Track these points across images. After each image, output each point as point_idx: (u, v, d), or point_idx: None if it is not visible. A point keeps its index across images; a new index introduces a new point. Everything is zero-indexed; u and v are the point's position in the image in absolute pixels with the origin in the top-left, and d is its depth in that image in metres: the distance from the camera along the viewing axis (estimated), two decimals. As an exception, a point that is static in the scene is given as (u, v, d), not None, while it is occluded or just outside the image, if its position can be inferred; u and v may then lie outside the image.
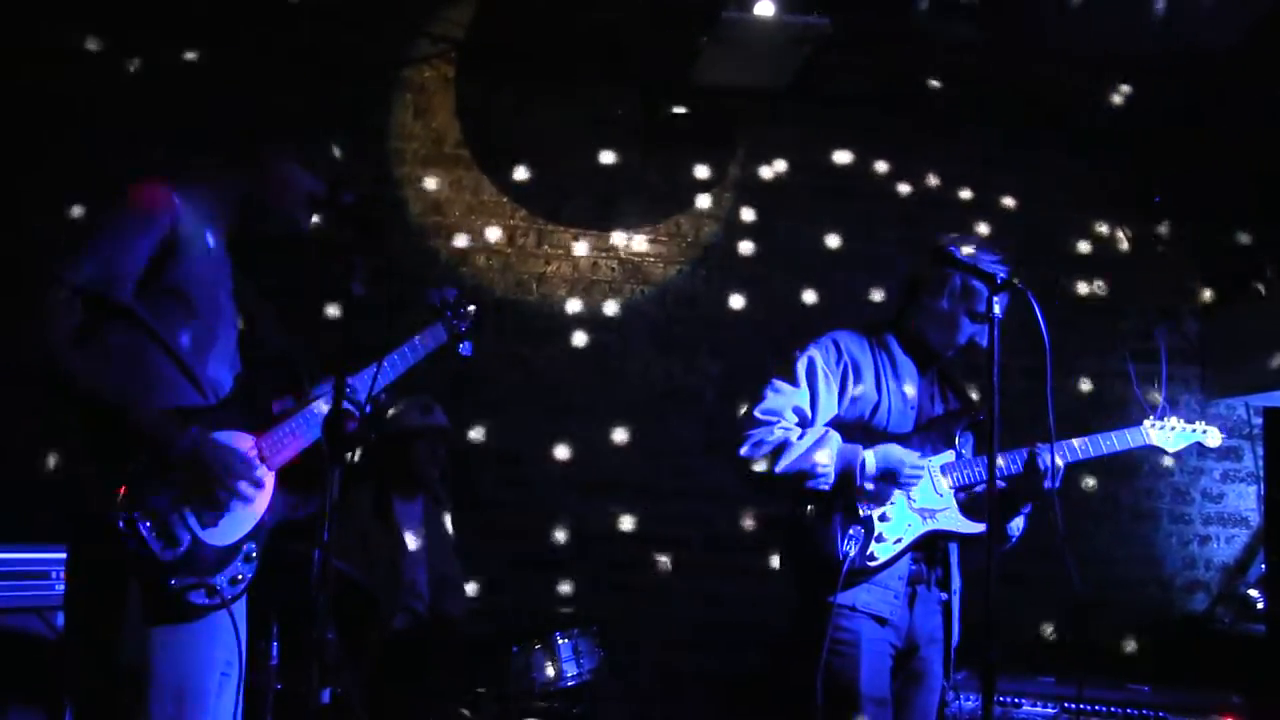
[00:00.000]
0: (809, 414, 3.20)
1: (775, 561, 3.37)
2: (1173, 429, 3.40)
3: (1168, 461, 5.65)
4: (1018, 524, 3.29)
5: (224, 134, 2.77)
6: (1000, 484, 3.15)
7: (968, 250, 3.14)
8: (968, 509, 3.22)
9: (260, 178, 2.65)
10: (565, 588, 5.07)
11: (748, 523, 5.14)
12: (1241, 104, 5.48)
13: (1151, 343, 5.51)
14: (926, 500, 3.19)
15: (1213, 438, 3.44)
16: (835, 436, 3.14)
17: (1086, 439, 3.29)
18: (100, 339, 2.40)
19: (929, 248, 3.26)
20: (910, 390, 3.30)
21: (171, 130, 4.60)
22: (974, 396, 3.44)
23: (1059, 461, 3.14)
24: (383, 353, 2.77)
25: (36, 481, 3.95)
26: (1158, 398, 3.63)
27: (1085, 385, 5.56)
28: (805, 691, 3.04)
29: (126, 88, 4.90)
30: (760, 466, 3.12)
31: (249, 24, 5.05)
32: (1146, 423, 3.39)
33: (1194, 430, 3.42)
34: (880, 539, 3.11)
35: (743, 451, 3.14)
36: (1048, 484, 3.09)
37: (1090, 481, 5.46)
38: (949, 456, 3.25)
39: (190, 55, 4.97)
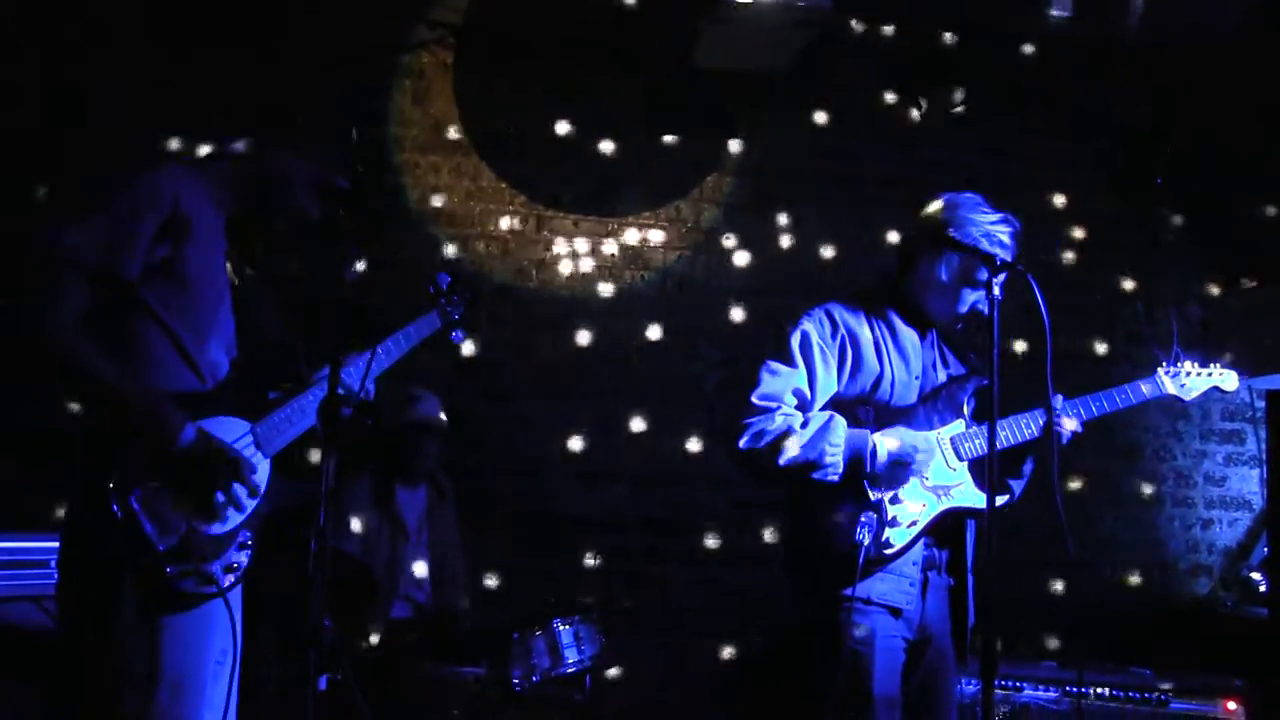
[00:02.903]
0: (809, 394, 3.01)
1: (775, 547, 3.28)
2: (1188, 374, 3.30)
3: (1171, 442, 5.66)
4: (1023, 471, 3.17)
5: (222, 125, 2.75)
6: (1016, 444, 3.07)
7: (964, 226, 3.01)
8: (983, 481, 3.02)
9: (261, 171, 2.63)
10: (566, 574, 5.06)
11: (750, 509, 5.13)
12: (1243, 87, 5.46)
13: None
14: (940, 477, 3.02)
15: (1229, 381, 3.34)
16: (841, 422, 2.96)
17: (1102, 395, 3.17)
18: (101, 318, 2.38)
19: (925, 221, 3.11)
20: (914, 360, 3.13)
21: (170, 121, 4.59)
22: (977, 358, 3.27)
23: (1072, 425, 3.06)
24: (377, 340, 2.75)
25: (34, 469, 3.95)
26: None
27: (1090, 369, 5.54)
28: (814, 686, 2.92)
29: (125, 80, 4.89)
30: (762, 460, 2.93)
31: (246, 11, 5.03)
32: (1160, 371, 3.30)
33: (1209, 374, 3.32)
34: (894, 523, 2.95)
35: (743, 444, 2.95)
36: (1061, 441, 3.01)
37: (1075, 485, 5.44)
38: (959, 427, 3.08)
39: (188, 44, 4.95)
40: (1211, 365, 3.34)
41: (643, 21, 5.26)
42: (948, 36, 5.54)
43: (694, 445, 5.21)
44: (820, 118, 5.52)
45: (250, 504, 2.50)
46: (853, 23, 5.41)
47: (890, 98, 5.57)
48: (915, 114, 5.53)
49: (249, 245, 2.70)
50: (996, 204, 3.12)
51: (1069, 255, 5.60)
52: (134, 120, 4.72)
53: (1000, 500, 3.04)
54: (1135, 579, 5.51)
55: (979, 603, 3.09)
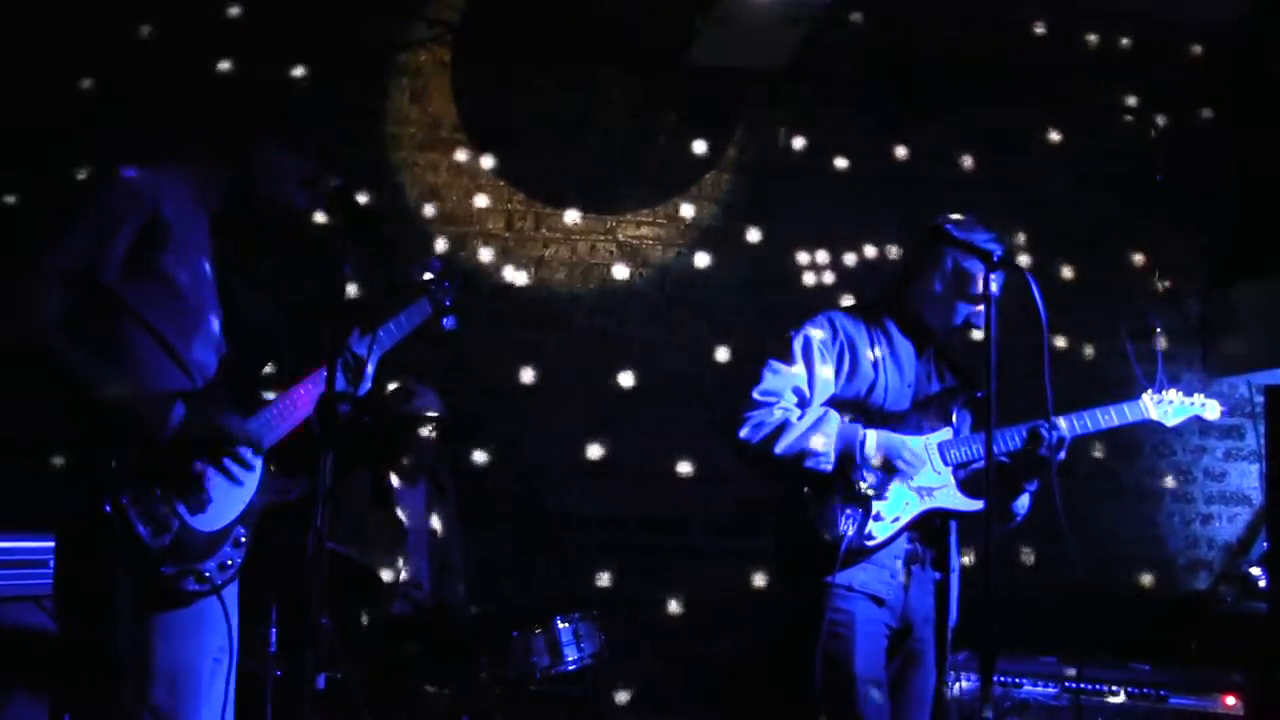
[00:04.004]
0: (807, 393, 3.21)
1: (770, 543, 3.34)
2: (1171, 402, 3.37)
3: (1170, 438, 5.66)
4: (1023, 502, 3.27)
5: (212, 120, 2.75)
6: (1003, 459, 3.17)
7: (962, 227, 3.13)
8: (966, 486, 3.21)
9: (248, 167, 2.63)
10: (566, 572, 5.06)
11: (749, 507, 5.13)
12: (1243, 80, 5.46)
13: (1147, 321, 5.49)
14: (924, 478, 3.18)
15: (1211, 410, 3.41)
16: (835, 416, 3.15)
17: (1084, 414, 3.25)
18: (84, 322, 2.39)
19: (925, 228, 3.28)
20: (908, 369, 3.30)
21: (162, 114, 4.58)
22: (972, 374, 3.39)
23: (1061, 427, 3.12)
24: (373, 331, 2.75)
25: (35, 469, 3.95)
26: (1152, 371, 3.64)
27: (1088, 367, 5.54)
28: (801, 672, 3.05)
29: (120, 74, 4.88)
30: (760, 449, 3.12)
31: (244, 8, 5.02)
32: (1145, 396, 3.37)
33: (1192, 403, 3.39)
34: (878, 518, 3.12)
35: (742, 434, 3.16)
36: (1049, 456, 3.07)
37: (1097, 453, 5.43)
38: (946, 434, 3.24)
39: (182, 40, 4.95)
40: (1195, 394, 3.42)
41: (640, 18, 5.26)
42: (946, 29, 5.53)
43: (692, 441, 5.20)
44: (818, 114, 5.52)
45: (248, 482, 2.51)
46: (849, 19, 5.42)
47: (888, 93, 5.56)
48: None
49: (236, 241, 2.69)
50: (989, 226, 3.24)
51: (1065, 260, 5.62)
52: (128, 118, 4.72)
53: (1004, 525, 3.24)
54: (1134, 574, 5.51)
55: (977, 600, 3.11)
